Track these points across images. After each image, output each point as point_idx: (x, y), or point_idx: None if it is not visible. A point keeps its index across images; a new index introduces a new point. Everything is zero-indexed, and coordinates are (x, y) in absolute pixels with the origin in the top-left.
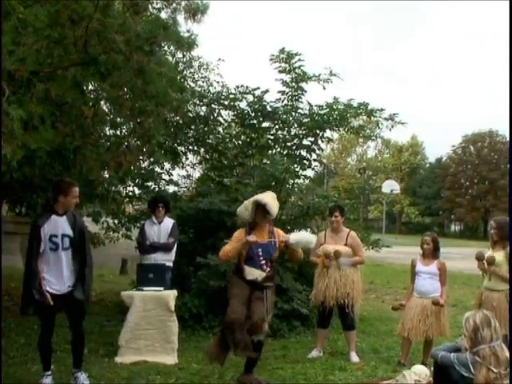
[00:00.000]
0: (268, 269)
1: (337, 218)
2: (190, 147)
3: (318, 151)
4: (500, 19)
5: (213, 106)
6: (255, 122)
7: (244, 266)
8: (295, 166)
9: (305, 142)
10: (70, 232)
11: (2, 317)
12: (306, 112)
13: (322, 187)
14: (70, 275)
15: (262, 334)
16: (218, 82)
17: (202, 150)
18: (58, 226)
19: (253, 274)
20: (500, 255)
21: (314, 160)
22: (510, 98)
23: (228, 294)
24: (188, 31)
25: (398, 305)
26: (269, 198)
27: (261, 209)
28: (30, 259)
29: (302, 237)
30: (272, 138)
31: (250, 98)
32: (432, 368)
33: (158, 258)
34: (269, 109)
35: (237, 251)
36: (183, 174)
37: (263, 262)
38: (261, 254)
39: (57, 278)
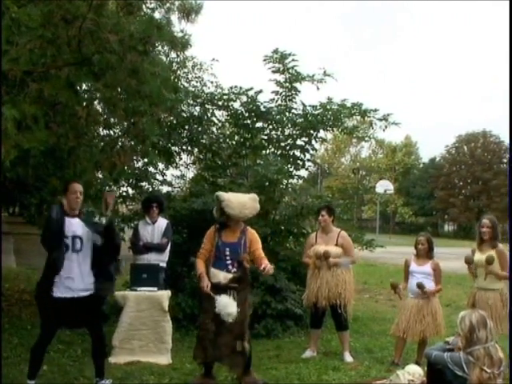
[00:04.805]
0: (234, 269)
1: (323, 217)
2: (184, 147)
3: (311, 151)
4: (493, 18)
5: (206, 106)
6: (249, 122)
7: (210, 267)
8: (289, 166)
9: (298, 142)
10: (81, 233)
11: None
12: (300, 112)
13: (315, 187)
14: (82, 278)
15: (229, 360)
16: (211, 82)
17: (196, 150)
18: (69, 227)
19: (217, 276)
20: (491, 254)
21: (308, 160)
22: (510, 98)
23: (201, 304)
24: (182, 31)
25: (397, 284)
26: (233, 196)
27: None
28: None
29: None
30: (266, 138)
31: (244, 98)
32: (425, 368)
33: (152, 258)
34: (262, 109)
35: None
36: (177, 174)
37: (229, 262)
38: (228, 253)
39: (67, 280)
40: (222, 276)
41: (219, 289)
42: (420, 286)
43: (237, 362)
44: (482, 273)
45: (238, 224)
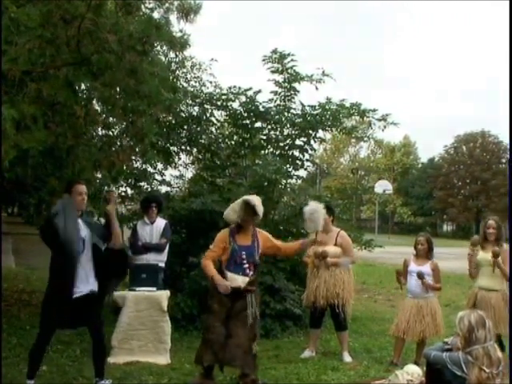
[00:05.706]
0: (251, 273)
1: None
2: (183, 147)
3: (310, 151)
4: (493, 18)
5: (205, 106)
6: (248, 122)
7: (226, 271)
8: (288, 166)
9: (297, 142)
10: (84, 234)
11: None
12: (299, 112)
13: (314, 187)
14: (82, 278)
15: (242, 362)
16: (210, 82)
17: (195, 150)
18: None
19: (236, 280)
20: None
21: (307, 160)
22: (510, 98)
23: (207, 306)
24: (180, 31)
25: (402, 272)
26: (257, 200)
27: (250, 209)
28: None
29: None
30: (264, 138)
31: (243, 98)
32: (424, 368)
33: (150, 258)
34: (261, 109)
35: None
36: (176, 174)
37: (247, 265)
38: (245, 257)
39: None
40: (241, 280)
41: (238, 293)
42: (420, 275)
43: (249, 362)
44: (484, 272)
45: (250, 226)
